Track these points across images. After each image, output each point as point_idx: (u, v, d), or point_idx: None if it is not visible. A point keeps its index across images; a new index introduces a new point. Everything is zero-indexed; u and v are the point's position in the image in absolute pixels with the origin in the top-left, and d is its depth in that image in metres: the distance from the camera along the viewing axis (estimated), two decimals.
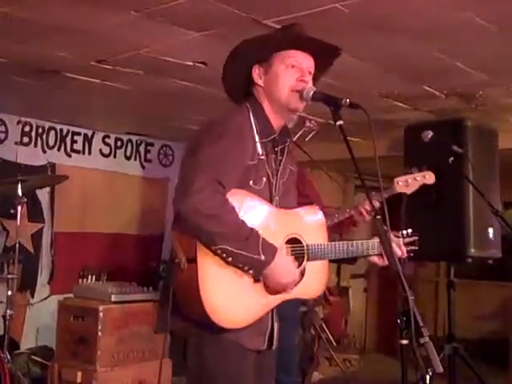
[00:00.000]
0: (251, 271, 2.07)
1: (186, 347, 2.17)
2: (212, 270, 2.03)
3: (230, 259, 2.02)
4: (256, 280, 2.10)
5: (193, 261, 2.03)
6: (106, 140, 6.30)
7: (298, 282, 2.24)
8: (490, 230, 4.40)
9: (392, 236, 2.40)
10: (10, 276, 3.99)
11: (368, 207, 3.54)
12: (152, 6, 2.94)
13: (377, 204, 3.56)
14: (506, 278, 7.02)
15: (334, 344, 6.86)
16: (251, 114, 2.24)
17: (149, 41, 3.44)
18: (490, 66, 3.77)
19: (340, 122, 2.15)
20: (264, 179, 2.23)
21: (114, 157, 6.36)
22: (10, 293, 3.95)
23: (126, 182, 6.38)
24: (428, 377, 2.04)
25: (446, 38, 3.30)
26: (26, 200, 4.00)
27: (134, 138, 6.54)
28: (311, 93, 2.23)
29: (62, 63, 3.86)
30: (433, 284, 8.07)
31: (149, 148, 6.68)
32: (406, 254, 2.51)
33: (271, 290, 2.15)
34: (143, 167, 6.62)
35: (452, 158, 3.83)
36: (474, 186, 4.03)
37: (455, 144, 4.01)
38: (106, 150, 6.30)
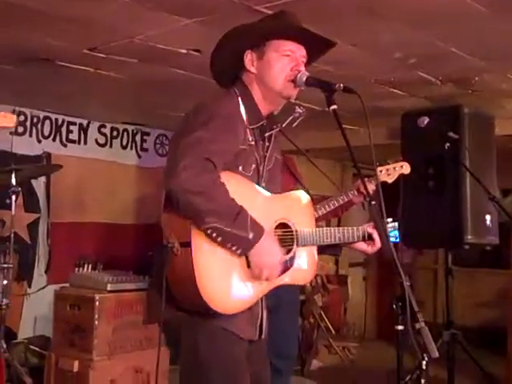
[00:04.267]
0: (238, 251, 2.03)
1: (179, 337, 2.16)
2: (207, 253, 2.01)
3: (219, 239, 1.99)
4: (249, 265, 2.08)
5: (187, 245, 1.99)
6: (102, 130, 6.28)
7: (288, 268, 2.24)
8: (488, 217, 4.39)
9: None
10: (5, 265, 3.98)
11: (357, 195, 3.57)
12: None
13: (372, 187, 3.61)
14: (503, 265, 7.01)
15: (333, 332, 6.89)
16: (240, 100, 2.23)
17: (142, 28, 3.41)
18: (486, 51, 3.75)
19: (334, 107, 2.14)
20: (253, 165, 2.22)
21: (110, 146, 6.34)
22: (5, 282, 3.94)
23: (123, 172, 6.37)
24: (424, 362, 2.04)
25: (440, 23, 3.28)
26: (20, 189, 3.98)
27: (130, 128, 6.52)
28: (304, 78, 2.22)
29: (54, 51, 3.83)
30: (431, 271, 8.08)
31: (145, 137, 6.66)
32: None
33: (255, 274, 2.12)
34: (139, 156, 6.61)
35: (448, 145, 3.81)
36: (470, 173, 4.02)
37: (451, 130, 3.99)
38: (102, 140, 6.28)
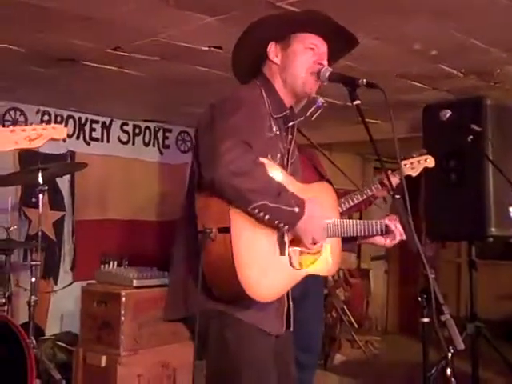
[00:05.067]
0: (286, 226, 2.05)
1: (207, 333, 2.14)
2: (246, 239, 2.01)
3: (266, 217, 1.99)
4: (282, 253, 2.10)
5: (226, 230, 1.98)
6: (124, 127, 6.35)
7: (317, 259, 2.26)
8: (511, 209, 4.38)
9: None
10: (33, 263, 4.04)
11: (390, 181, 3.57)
12: None
13: (397, 180, 3.62)
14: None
15: (356, 326, 6.88)
16: (263, 90, 2.25)
17: (164, 27, 3.44)
18: (508, 43, 3.72)
19: (357, 102, 2.16)
20: (278, 155, 2.24)
21: (133, 144, 6.41)
22: (33, 279, 4.00)
23: (145, 169, 6.43)
24: (450, 354, 2.04)
25: (462, 16, 3.26)
26: (47, 188, 4.04)
27: (152, 125, 6.58)
28: (328, 73, 2.24)
29: (78, 52, 3.88)
30: (455, 265, 8.03)
31: (167, 134, 6.72)
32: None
33: (296, 262, 2.15)
34: (161, 153, 6.66)
35: (471, 137, 3.79)
36: (493, 164, 4.00)
37: (473, 122, 3.98)
38: (125, 138, 6.35)
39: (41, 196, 4.01)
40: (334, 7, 2.45)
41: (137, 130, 6.45)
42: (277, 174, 2.12)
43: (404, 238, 2.36)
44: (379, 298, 8.19)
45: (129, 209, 6.25)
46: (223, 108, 2.10)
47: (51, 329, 5.57)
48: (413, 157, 3.53)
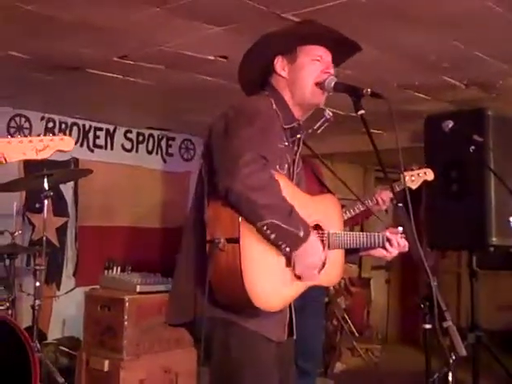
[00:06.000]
0: (288, 248, 2.06)
1: (211, 340, 2.14)
2: (254, 250, 2.03)
3: (272, 236, 2.01)
4: (287, 264, 2.11)
5: (235, 241, 2.00)
6: (128, 135, 6.39)
7: (321, 270, 2.28)
8: None
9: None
10: (37, 267, 4.08)
11: (384, 197, 3.64)
12: (174, 1, 2.98)
13: (391, 195, 3.69)
14: None
15: (356, 335, 6.89)
16: (273, 101, 2.27)
17: (171, 36, 3.49)
18: (509, 55, 3.77)
19: (361, 112, 2.18)
20: (286, 166, 2.25)
21: (136, 151, 6.46)
22: (38, 284, 4.03)
23: (148, 176, 6.47)
24: (451, 361, 2.07)
25: (464, 28, 3.31)
26: (52, 194, 4.07)
27: (156, 133, 6.62)
28: (333, 83, 2.26)
29: (84, 60, 3.93)
30: (455, 275, 8.04)
31: (170, 142, 6.76)
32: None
33: (298, 272, 2.16)
34: (165, 161, 6.70)
35: (473, 147, 3.83)
36: (495, 174, 4.04)
37: (475, 133, 4.02)
38: (128, 145, 6.39)
39: (46, 202, 4.04)
40: (338, 18, 2.50)
41: (140, 138, 6.49)
42: (288, 189, 2.13)
43: (406, 250, 2.40)
44: (380, 307, 8.19)
45: (132, 216, 6.29)
46: (239, 118, 2.11)
47: (53, 333, 5.60)
48: (412, 169, 3.60)
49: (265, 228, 1.99)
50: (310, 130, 2.44)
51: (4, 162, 2.07)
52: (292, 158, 2.33)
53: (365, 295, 7.67)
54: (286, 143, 2.28)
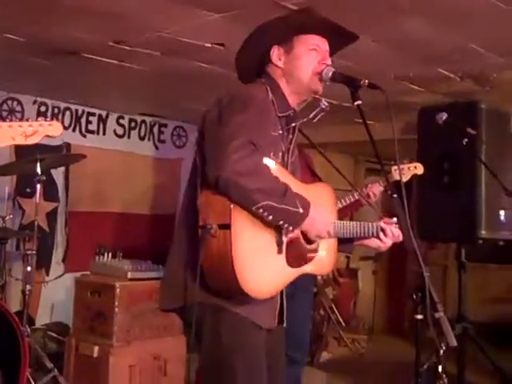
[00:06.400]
0: (290, 227, 2.08)
1: (201, 325, 2.15)
2: (246, 236, 2.04)
3: (270, 217, 2.01)
4: (279, 251, 2.13)
5: (226, 227, 2.00)
6: (120, 121, 6.37)
7: (313, 258, 2.29)
8: (502, 213, 4.45)
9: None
10: (28, 252, 4.06)
11: (375, 190, 3.67)
12: None
13: (381, 189, 3.72)
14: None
15: (343, 325, 6.94)
16: (269, 89, 2.27)
17: (169, 22, 3.47)
18: (506, 48, 3.78)
19: (358, 102, 2.20)
20: (280, 154, 2.26)
21: (128, 137, 6.44)
22: (29, 269, 4.02)
23: (140, 163, 6.46)
24: (441, 351, 2.10)
25: (463, 20, 3.32)
26: (44, 178, 4.05)
27: (148, 119, 6.60)
28: (330, 73, 2.27)
29: (80, 44, 3.89)
30: (441, 267, 8.09)
31: (162, 129, 6.75)
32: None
33: (293, 261, 2.18)
34: (157, 148, 6.69)
35: (466, 140, 3.86)
36: (486, 167, 4.07)
37: (469, 126, 4.04)
38: (120, 131, 6.37)
39: (38, 186, 4.02)
40: (335, 9, 2.49)
41: (132, 124, 6.47)
42: (281, 175, 2.13)
43: (400, 240, 2.42)
44: (367, 298, 8.24)
45: (123, 202, 6.28)
46: (233, 105, 2.11)
47: (41, 319, 5.59)
48: (403, 163, 3.65)
49: (261, 211, 2.00)
50: (305, 119, 2.44)
51: None
52: (286, 147, 2.33)
53: (352, 286, 7.72)
54: (281, 131, 2.28)
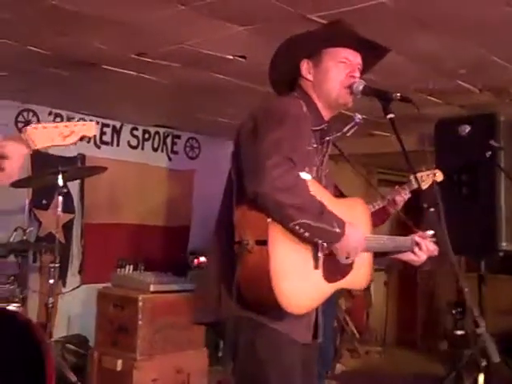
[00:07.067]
0: (325, 244, 2.07)
1: (236, 339, 2.15)
2: (282, 252, 2.03)
3: (306, 234, 2.01)
4: (316, 266, 2.12)
5: (263, 243, 2.00)
6: (134, 132, 6.36)
7: (349, 272, 2.28)
8: None
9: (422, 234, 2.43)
10: (51, 265, 4.04)
11: (403, 195, 3.64)
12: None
13: (405, 197, 3.70)
14: None
15: (358, 336, 6.91)
16: (303, 103, 2.27)
17: (192, 34, 3.47)
18: None
19: (391, 116, 2.20)
20: (314, 168, 2.26)
21: (142, 149, 6.42)
22: (52, 281, 4.01)
23: (154, 174, 6.43)
24: (483, 365, 2.09)
25: (487, 33, 3.33)
26: (66, 190, 4.05)
27: (162, 131, 6.59)
28: (361, 87, 2.27)
29: (101, 55, 3.90)
30: (453, 277, 8.03)
31: (175, 140, 6.73)
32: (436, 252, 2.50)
33: (329, 276, 2.16)
34: (170, 159, 6.67)
35: (490, 153, 3.85)
36: (509, 177, 4.05)
37: (488, 138, 4.04)
38: (134, 142, 6.36)
39: (60, 198, 4.01)
40: (358, 23, 2.48)
41: (146, 135, 6.46)
42: (317, 190, 2.12)
43: (435, 254, 2.41)
44: (378, 310, 8.20)
45: (137, 213, 6.26)
46: (269, 120, 2.11)
47: (58, 331, 5.54)
48: (422, 170, 3.63)
49: (297, 228, 2.00)
50: (339, 133, 2.43)
51: (34, 147, 2.04)
52: (320, 160, 2.33)
53: (365, 298, 7.69)
54: (315, 145, 2.28)
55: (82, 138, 2.09)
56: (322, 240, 2.06)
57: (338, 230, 2.06)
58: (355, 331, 6.84)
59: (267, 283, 1.98)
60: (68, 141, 2.04)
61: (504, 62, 3.82)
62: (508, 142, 4.33)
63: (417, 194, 3.38)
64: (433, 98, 4.75)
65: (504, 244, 4.31)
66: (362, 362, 6.62)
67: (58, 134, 2.03)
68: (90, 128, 2.09)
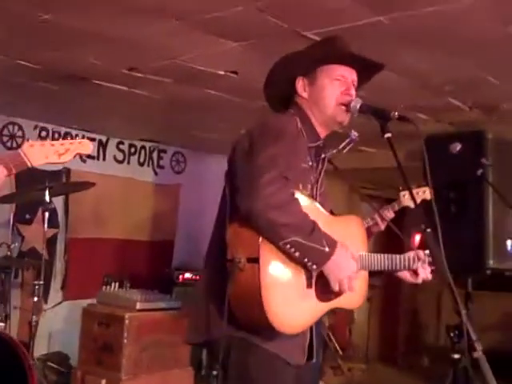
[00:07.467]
0: (314, 266, 2.04)
1: (228, 358, 2.12)
2: (274, 271, 2.01)
3: (297, 254, 1.99)
4: (308, 285, 2.09)
5: (254, 260, 1.98)
6: (120, 146, 6.32)
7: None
8: (509, 242, 4.43)
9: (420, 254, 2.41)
10: (36, 282, 3.95)
11: (388, 215, 3.61)
12: (196, 15, 2.94)
13: (391, 215, 3.67)
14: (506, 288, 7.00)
15: (341, 353, 6.87)
16: (298, 120, 2.26)
17: (185, 50, 3.44)
18: None
19: (388, 135, 2.18)
20: (309, 185, 2.24)
21: (128, 163, 6.37)
22: (36, 299, 3.92)
23: (139, 189, 6.38)
24: None
25: (482, 53, 3.33)
26: (53, 206, 3.98)
27: (148, 145, 6.55)
28: (358, 105, 2.26)
29: (93, 70, 3.85)
30: (435, 293, 8.07)
31: (161, 155, 6.70)
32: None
33: (322, 295, 2.13)
34: (156, 173, 6.63)
35: (481, 171, 3.86)
36: (499, 195, 4.04)
37: (477, 156, 4.04)
38: (120, 157, 6.31)
39: (47, 214, 3.93)
40: (350, 39, 2.47)
41: (132, 150, 6.42)
42: (309, 208, 2.10)
43: (429, 277, 2.39)
44: (361, 326, 8.19)
45: (122, 228, 6.19)
46: (264, 137, 2.10)
47: (39, 348, 5.43)
48: (411, 188, 3.59)
49: (288, 246, 1.98)
50: (334, 150, 2.41)
51: (30, 165, 2.00)
52: (316, 178, 2.32)
53: (348, 314, 7.66)
54: (310, 163, 2.27)
55: (75, 156, 2.05)
56: (312, 260, 2.02)
57: (327, 249, 2.03)
58: (338, 348, 6.80)
59: (258, 302, 1.96)
60: (63, 159, 2.01)
61: (495, 80, 3.82)
62: (496, 159, 4.34)
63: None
64: (421, 115, 4.75)
65: (491, 262, 4.30)
66: (345, 379, 6.58)
67: (53, 152, 1.99)
68: (86, 146, 2.05)
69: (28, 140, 2.07)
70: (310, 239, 1.99)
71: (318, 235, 2.02)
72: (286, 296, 2.03)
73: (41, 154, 1.96)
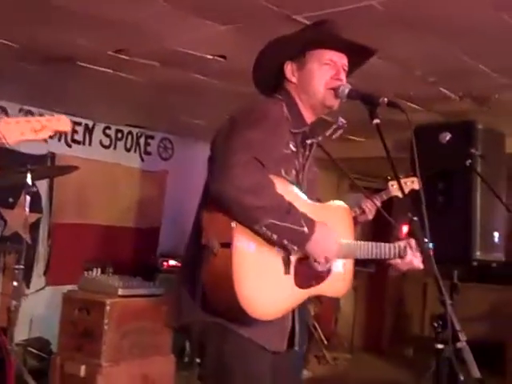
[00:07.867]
0: (295, 247, 2.00)
1: (204, 343, 2.12)
2: (248, 256, 1.97)
3: (274, 236, 1.95)
4: (286, 271, 2.06)
5: (227, 245, 1.95)
6: (107, 131, 6.24)
7: (325, 278, 2.21)
8: (496, 234, 4.43)
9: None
10: (16, 266, 3.90)
11: (370, 206, 3.59)
12: None
13: (378, 204, 3.64)
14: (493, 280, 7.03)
15: (325, 342, 6.87)
16: (284, 105, 2.22)
17: (174, 33, 3.38)
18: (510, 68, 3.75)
19: (377, 121, 2.14)
20: (293, 171, 2.21)
21: (114, 148, 6.30)
22: (15, 283, 3.86)
23: (126, 174, 6.32)
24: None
25: (475, 39, 3.28)
26: (35, 189, 3.91)
27: (135, 131, 6.48)
28: (347, 90, 2.22)
29: (78, 51, 3.77)
30: (420, 284, 8.08)
31: (149, 141, 6.63)
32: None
33: (302, 281, 2.11)
34: (142, 160, 6.57)
35: (470, 161, 3.83)
36: (488, 186, 4.03)
37: (466, 146, 4.02)
38: (107, 142, 6.23)
39: (28, 198, 3.86)
40: (347, 23, 2.43)
41: (119, 135, 6.34)
42: (288, 193, 2.06)
43: (421, 267, 2.36)
44: (346, 315, 8.19)
45: (107, 214, 6.13)
46: (245, 120, 2.06)
47: (20, 333, 5.36)
48: (400, 178, 3.56)
49: (264, 229, 1.94)
50: (320, 137, 2.37)
51: (6, 143, 1.93)
52: (302, 164, 2.28)
53: (333, 303, 7.65)
54: (295, 149, 2.23)
55: (55, 133, 1.99)
56: (291, 242, 1.99)
57: (305, 230, 1.99)
58: (323, 337, 6.80)
59: (231, 288, 1.93)
60: (40, 136, 1.93)
61: (489, 71, 3.78)
62: (485, 149, 4.32)
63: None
64: (412, 105, 4.71)
65: (478, 253, 4.30)
66: (330, 368, 6.59)
67: (29, 129, 1.92)
68: (64, 123, 1.98)
69: (3, 117, 2.00)
70: (287, 220, 1.95)
71: (296, 216, 1.98)
72: (259, 281, 2.00)
73: (16, 131, 1.89)
